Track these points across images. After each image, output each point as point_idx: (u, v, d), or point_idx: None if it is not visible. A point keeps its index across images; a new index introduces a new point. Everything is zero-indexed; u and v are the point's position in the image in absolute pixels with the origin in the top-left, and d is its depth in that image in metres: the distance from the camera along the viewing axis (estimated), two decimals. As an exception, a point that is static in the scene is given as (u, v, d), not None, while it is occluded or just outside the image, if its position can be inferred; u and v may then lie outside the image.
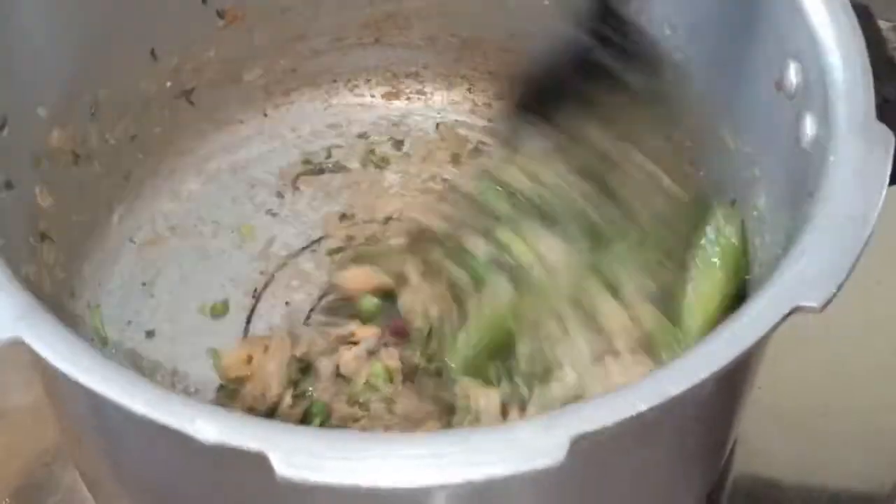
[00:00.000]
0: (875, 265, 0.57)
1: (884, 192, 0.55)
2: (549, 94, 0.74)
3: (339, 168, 0.85)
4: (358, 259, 0.77)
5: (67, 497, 0.73)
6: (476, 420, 0.66)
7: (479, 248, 0.72)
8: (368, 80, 0.87)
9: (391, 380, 0.71)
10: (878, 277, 0.74)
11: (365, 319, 0.74)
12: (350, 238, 0.81)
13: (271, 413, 0.70)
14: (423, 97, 0.88)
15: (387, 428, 0.68)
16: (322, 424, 0.69)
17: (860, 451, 0.75)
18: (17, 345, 0.50)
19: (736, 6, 0.67)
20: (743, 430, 0.71)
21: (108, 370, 0.48)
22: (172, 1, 0.75)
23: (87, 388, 0.48)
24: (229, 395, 0.72)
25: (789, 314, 0.51)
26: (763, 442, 0.74)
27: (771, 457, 0.75)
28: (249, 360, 0.72)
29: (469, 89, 0.87)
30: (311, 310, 0.77)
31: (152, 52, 0.76)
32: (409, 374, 0.71)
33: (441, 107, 0.87)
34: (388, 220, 0.81)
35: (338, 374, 0.72)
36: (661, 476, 0.61)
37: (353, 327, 0.74)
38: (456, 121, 0.87)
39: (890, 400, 0.77)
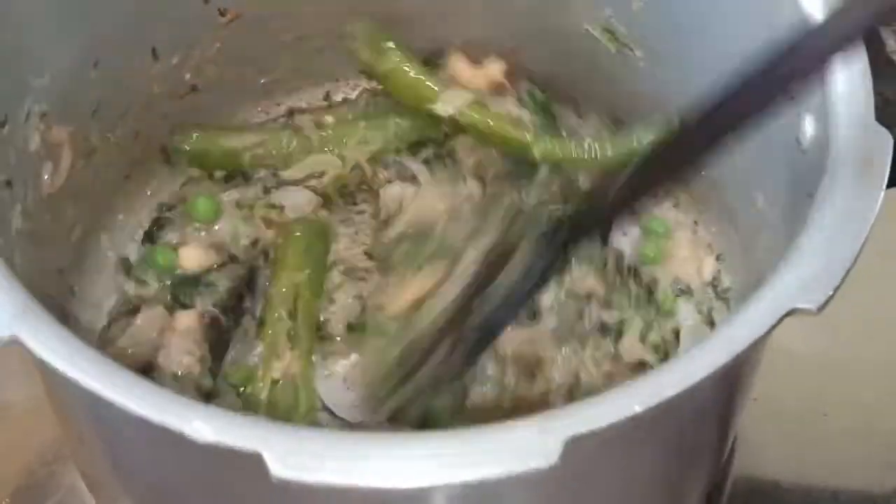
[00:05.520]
0: (874, 265, 0.57)
1: (882, 194, 0.55)
2: None
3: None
4: None
5: (67, 497, 0.73)
6: None
7: None
8: (370, 79, 0.87)
9: None
10: (878, 278, 0.74)
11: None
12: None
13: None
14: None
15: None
16: None
17: (859, 451, 0.75)
18: (15, 344, 0.50)
19: (734, 6, 0.67)
20: (742, 430, 0.71)
21: (106, 370, 0.49)
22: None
23: (84, 387, 0.48)
24: None
25: (786, 316, 0.51)
26: (763, 442, 0.75)
27: (770, 457, 0.75)
28: None
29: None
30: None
31: (153, 51, 0.76)
32: None
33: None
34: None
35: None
36: (657, 476, 0.61)
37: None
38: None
39: (889, 400, 0.77)
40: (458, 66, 0.81)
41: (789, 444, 0.75)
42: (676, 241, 0.79)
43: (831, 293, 0.51)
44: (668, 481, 0.64)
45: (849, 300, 0.53)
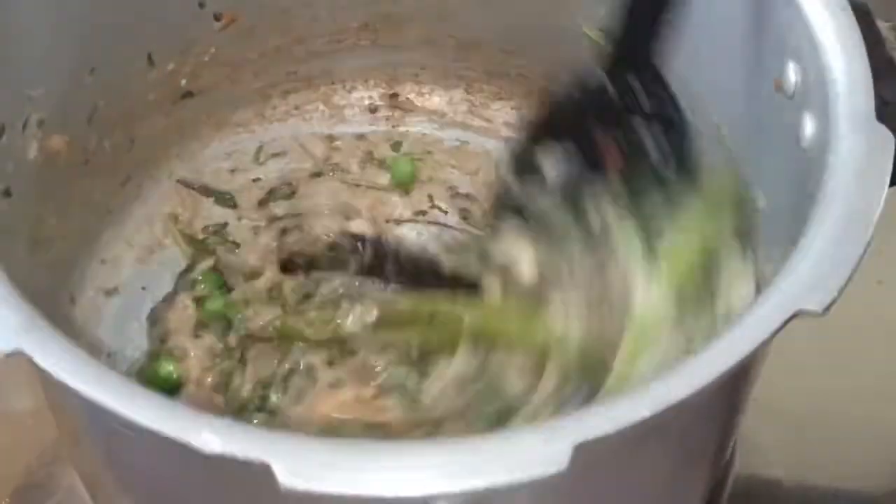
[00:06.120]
0: (876, 265, 0.57)
1: (884, 193, 0.55)
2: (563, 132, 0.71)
3: (338, 170, 0.85)
4: None
5: (67, 498, 0.73)
6: None
7: None
8: (366, 82, 0.87)
9: None
10: (879, 278, 0.74)
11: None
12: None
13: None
14: (421, 98, 0.88)
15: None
16: None
17: (860, 450, 0.75)
18: (18, 357, 0.49)
19: (735, 5, 0.67)
20: (743, 429, 0.71)
21: (112, 382, 0.48)
22: (170, 4, 0.75)
23: (90, 400, 0.48)
24: None
25: (791, 318, 0.51)
26: (763, 442, 0.75)
27: (771, 456, 0.75)
28: None
29: (467, 90, 0.88)
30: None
31: (149, 57, 0.76)
32: None
33: (439, 107, 0.88)
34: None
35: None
36: (662, 479, 0.61)
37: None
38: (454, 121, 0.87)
39: (889, 400, 0.77)
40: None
41: (790, 444, 0.75)
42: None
43: (837, 294, 0.51)
44: (671, 482, 0.64)
45: (849, 300, 0.53)
